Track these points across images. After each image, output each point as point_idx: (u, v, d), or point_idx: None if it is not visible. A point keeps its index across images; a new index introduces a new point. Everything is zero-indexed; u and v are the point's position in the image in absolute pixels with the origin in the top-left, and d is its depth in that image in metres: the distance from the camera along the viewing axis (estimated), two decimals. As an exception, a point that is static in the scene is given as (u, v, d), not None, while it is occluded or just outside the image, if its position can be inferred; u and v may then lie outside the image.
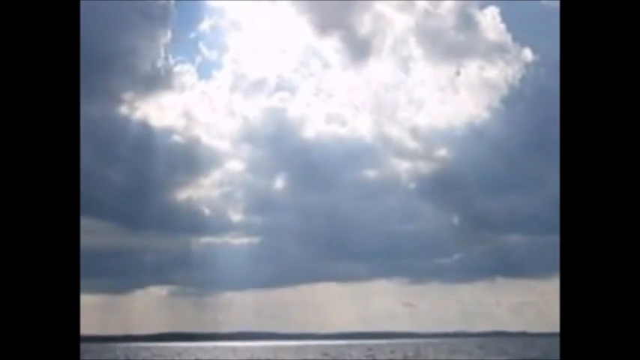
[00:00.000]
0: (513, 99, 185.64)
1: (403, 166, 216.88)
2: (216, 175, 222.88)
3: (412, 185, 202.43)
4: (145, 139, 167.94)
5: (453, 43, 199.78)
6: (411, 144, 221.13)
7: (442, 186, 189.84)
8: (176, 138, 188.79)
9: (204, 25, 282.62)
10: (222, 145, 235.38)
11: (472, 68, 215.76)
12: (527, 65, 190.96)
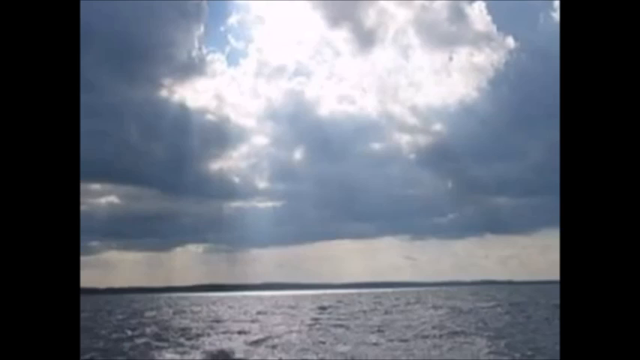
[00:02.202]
0: (499, 81, 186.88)
1: (404, 139, 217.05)
2: (243, 148, 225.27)
3: (412, 155, 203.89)
4: (182, 118, 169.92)
5: (446, 33, 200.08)
6: (411, 120, 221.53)
7: (438, 156, 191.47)
8: (209, 117, 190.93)
9: (233, 20, 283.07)
10: (249, 122, 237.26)
11: (463, 54, 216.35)
12: (510, 51, 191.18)
